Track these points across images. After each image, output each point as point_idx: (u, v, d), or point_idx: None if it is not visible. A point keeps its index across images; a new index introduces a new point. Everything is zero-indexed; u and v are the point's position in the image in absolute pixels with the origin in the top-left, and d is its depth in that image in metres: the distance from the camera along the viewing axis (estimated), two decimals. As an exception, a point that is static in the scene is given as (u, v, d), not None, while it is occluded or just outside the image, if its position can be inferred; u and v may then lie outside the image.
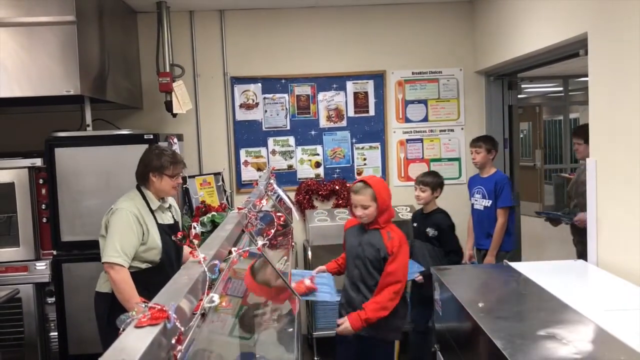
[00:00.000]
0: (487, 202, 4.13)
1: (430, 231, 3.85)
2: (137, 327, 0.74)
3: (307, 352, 4.38)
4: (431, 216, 3.92)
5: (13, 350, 3.61)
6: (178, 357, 0.80)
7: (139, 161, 2.99)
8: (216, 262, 1.04)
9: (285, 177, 4.81)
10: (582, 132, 3.96)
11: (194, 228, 1.13)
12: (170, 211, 3.10)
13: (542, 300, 2.25)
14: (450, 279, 2.70)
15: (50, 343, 3.67)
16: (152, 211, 2.92)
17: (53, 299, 3.62)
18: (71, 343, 3.60)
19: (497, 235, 4.04)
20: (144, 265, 2.86)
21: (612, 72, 2.67)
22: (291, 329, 2.12)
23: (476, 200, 4.23)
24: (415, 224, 4.06)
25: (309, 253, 4.34)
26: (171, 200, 3.17)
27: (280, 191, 3.83)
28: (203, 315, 0.95)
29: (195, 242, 1.11)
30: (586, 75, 2.89)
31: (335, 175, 4.86)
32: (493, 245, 4.05)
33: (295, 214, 4.42)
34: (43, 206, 3.61)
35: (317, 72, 4.79)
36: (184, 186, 4.15)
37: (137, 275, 2.78)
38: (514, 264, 2.84)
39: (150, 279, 2.78)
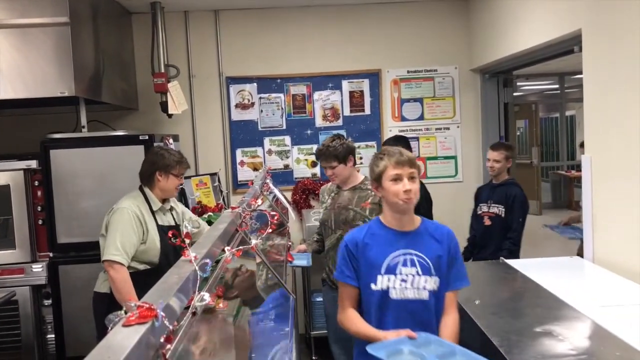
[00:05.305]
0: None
1: None
2: (124, 325, 0.73)
3: (304, 351, 4.37)
4: None
5: (10, 353, 3.59)
6: (167, 356, 0.79)
7: (143, 161, 2.98)
8: (207, 260, 1.03)
9: (282, 176, 4.80)
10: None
11: (185, 227, 1.13)
12: (171, 213, 3.09)
13: (539, 297, 2.25)
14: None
15: (47, 345, 3.65)
16: (152, 212, 2.92)
17: (50, 301, 3.61)
18: (68, 345, 3.59)
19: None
20: (141, 267, 2.85)
21: (606, 68, 2.67)
22: (287, 328, 2.12)
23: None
24: None
25: (306, 252, 4.33)
26: (176, 204, 3.17)
27: (276, 191, 3.82)
28: (194, 314, 0.94)
29: (187, 241, 1.10)
30: (582, 72, 2.89)
31: (332, 175, 4.84)
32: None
33: (292, 214, 4.41)
34: (39, 208, 3.60)
35: (312, 71, 4.78)
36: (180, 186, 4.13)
37: (135, 276, 2.76)
38: (510, 261, 2.84)
39: (148, 281, 2.75)
